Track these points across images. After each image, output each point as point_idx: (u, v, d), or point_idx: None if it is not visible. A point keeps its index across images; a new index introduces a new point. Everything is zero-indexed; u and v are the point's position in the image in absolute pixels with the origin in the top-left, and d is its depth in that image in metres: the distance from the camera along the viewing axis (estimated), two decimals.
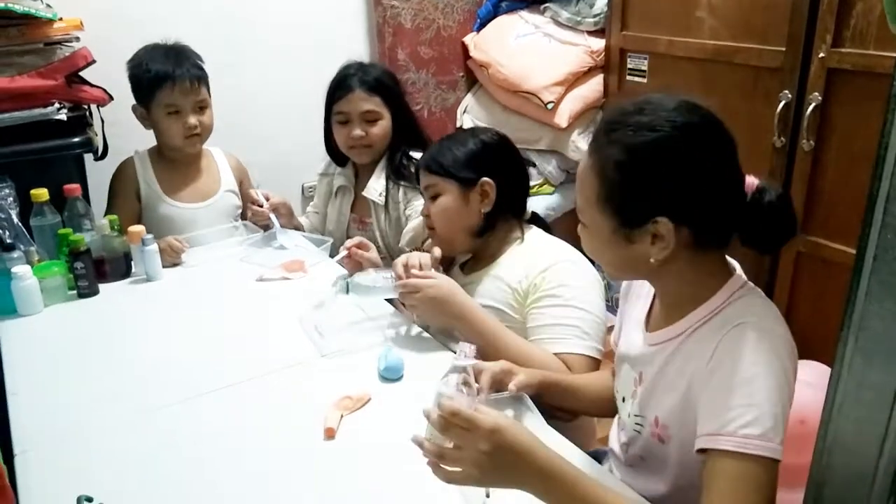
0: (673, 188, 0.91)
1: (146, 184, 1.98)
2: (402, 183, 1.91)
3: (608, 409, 1.22)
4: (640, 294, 1.14)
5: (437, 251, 1.48)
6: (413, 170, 1.87)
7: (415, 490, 1.02)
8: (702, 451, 0.90)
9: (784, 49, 1.90)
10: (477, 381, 1.09)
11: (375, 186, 1.93)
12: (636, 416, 1.07)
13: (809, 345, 1.98)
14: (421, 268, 1.41)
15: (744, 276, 1.01)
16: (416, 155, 1.89)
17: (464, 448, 0.84)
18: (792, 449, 1.49)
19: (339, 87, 1.89)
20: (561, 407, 1.25)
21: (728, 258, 1.04)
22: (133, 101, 1.95)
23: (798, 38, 1.86)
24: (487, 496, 0.97)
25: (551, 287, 1.37)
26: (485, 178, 1.47)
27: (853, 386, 0.64)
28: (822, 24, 1.79)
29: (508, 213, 1.51)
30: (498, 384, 1.15)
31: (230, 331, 1.52)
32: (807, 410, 1.48)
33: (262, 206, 1.92)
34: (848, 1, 1.73)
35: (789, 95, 1.90)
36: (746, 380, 0.88)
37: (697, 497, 0.89)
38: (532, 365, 1.23)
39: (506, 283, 1.43)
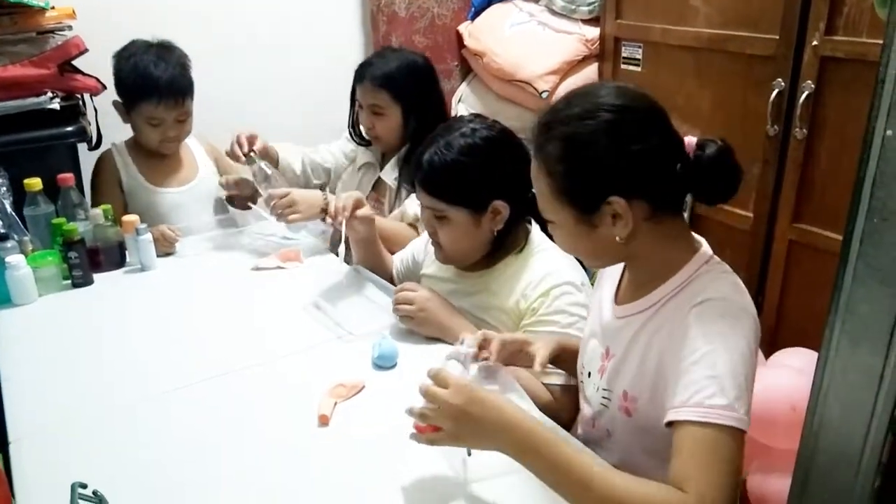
0: (614, 167, 0.96)
1: (128, 175, 1.98)
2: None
3: None
4: (610, 274, 1.17)
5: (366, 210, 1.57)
6: None
7: (407, 475, 1.03)
8: (669, 424, 0.92)
9: (777, 37, 1.90)
10: (485, 349, 1.17)
11: (392, 172, 1.96)
12: (604, 389, 1.10)
13: (801, 332, 2.00)
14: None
15: (710, 252, 1.04)
16: None
17: (441, 406, 0.93)
18: (785, 435, 1.52)
19: (357, 74, 1.93)
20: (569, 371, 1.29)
21: (695, 235, 1.07)
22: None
23: (791, 26, 1.85)
24: (469, 454, 1.00)
25: (549, 313, 1.35)
26: (497, 202, 1.37)
27: (840, 369, 0.65)
28: (814, 12, 1.79)
29: (519, 222, 1.44)
30: (512, 357, 1.19)
31: (224, 320, 1.52)
32: (797, 397, 1.50)
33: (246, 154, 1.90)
34: None
35: (782, 83, 1.90)
36: (710, 353, 0.91)
37: (662, 467, 0.91)
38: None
39: (498, 300, 1.41)
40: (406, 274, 1.70)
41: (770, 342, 2.05)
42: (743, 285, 1.01)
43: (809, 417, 0.69)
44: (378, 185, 2.04)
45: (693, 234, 1.07)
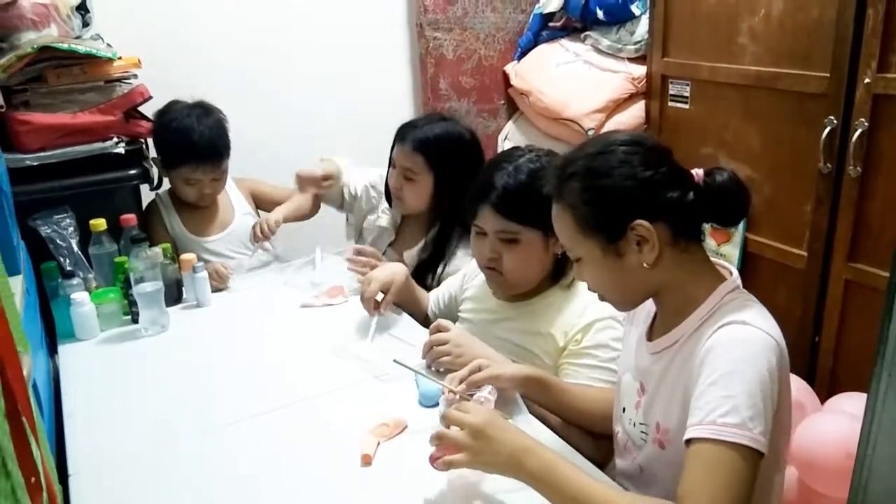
0: (633, 192, 1.02)
1: (171, 225, 2.08)
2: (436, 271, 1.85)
3: (597, 423, 1.27)
4: (642, 311, 1.19)
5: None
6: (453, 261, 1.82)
7: None
8: (687, 443, 0.93)
9: (828, 75, 1.88)
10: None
11: (412, 254, 1.92)
12: (641, 423, 1.12)
13: (859, 375, 1.93)
14: None
15: (737, 282, 1.06)
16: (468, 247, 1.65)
17: (463, 427, 1.01)
18: (840, 483, 1.46)
19: (398, 134, 1.87)
20: (549, 408, 1.30)
21: (725, 264, 1.10)
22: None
23: (842, 63, 1.83)
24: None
25: (590, 346, 1.36)
26: None
27: (888, 422, 0.64)
28: (866, 49, 1.77)
29: None
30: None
31: (273, 356, 1.56)
32: (853, 444, 1.44)
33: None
34: (893, 25, 1.71)
35: (835, 121, 1.87)
36: (726, 374, 0.92)
37: None
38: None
39: (540, 328, 1.42)
40: (444, 311, 1.70)
41: (828, 385, 1.99)
42: (768, 313, 1.02)
43: (857, 470, 0.67)
44: (393, 248, 1.99)
45: (722, 263, 1.10)
